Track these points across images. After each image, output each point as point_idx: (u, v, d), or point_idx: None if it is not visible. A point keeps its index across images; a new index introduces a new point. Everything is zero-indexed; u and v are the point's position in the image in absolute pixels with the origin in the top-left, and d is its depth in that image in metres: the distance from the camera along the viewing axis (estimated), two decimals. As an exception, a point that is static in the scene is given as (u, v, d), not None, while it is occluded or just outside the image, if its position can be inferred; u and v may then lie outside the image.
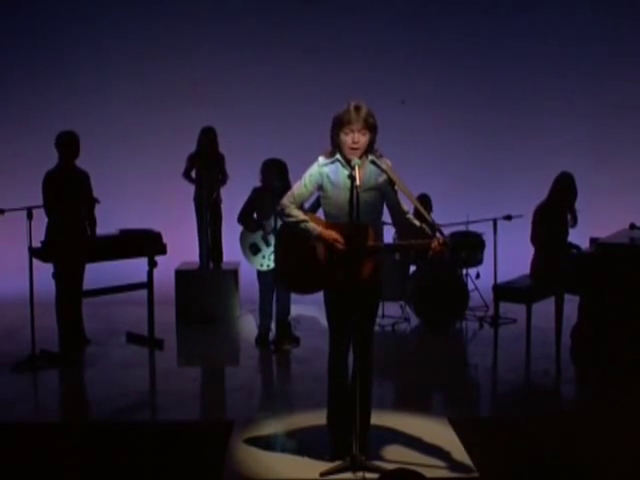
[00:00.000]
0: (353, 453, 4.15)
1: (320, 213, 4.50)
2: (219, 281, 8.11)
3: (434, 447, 4.51)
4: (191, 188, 8.20)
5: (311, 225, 4.19)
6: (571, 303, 6.62)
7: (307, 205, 4.56)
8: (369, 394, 4.36)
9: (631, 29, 9.17)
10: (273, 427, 4.99)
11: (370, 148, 4.20)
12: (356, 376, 4.13)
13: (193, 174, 8.17)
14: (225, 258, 8.31)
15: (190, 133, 8.12)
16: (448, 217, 7.75)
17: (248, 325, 7.76)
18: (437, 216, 7.96)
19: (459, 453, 4.44)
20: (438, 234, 4.13)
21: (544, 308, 6.73)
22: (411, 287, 7.66)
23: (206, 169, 8.05)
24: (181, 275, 8.08)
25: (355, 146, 4.11)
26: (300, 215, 4.23)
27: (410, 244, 4.20)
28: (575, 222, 6.63)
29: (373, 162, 4.22)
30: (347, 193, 4.10)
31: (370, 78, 8.99)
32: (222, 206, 8.17)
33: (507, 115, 9.23)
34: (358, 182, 4.04)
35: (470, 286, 7.92)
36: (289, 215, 4.24)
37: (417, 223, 4.25)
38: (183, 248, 8.15)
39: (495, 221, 7.62)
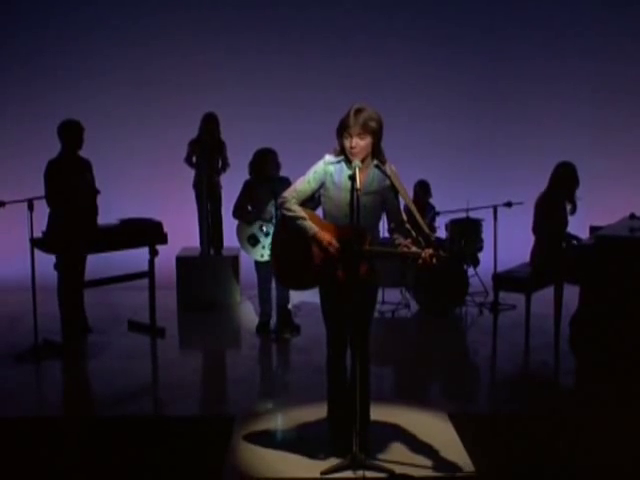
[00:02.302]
0: (353, 451, 4.17)
1: (318, 211, 4.50)
2: (220, 267, 8.13)
3: (434, 445, 4.53)
4: (191, 174, 8.19)
5: (308, 224, 4.18)
6: (571, 290, 6.60)
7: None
8: (367, 391, 4.38)
9: (631, 13, 9.10)
10: (274, 422, 5.03)
11: (374, 152, 4.19)
12: (354, 375, 4.13)
13: (194, 160, 8.16)
14: (225, 244, 8.31)
15: (189, 120, 8.09)
16: (448, 203, 7.77)
17: (249, 312, 7.79)
18: (437, 202, 7.98)
19: (458, 452, 4.47)
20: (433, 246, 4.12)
21: (543, 294, 6.72)
22: (411, 273, 7.67)
23: (205, 156, 8.03)
24: (182, 261, 8.09)
25: (352, 150, 4.11)
26: (299, 211, 4.22)
27: (402, 252, 4.19)
28: (574, 210, 6.62)
29: (377, 167, 4.22)
30: (348, 194, 4.09)
31: (371, 64, 8.95)
32: (222, 192, 8.16)
33: (508, 101, 9.21)
34: (358, 185, 4.02)
35: (470, 272, 7.94)
36: (289, 209, 4.23)
37: (414, 234, 4.25)
38: (183, 234, 8.17)
39: (495, 208, 7.61)
